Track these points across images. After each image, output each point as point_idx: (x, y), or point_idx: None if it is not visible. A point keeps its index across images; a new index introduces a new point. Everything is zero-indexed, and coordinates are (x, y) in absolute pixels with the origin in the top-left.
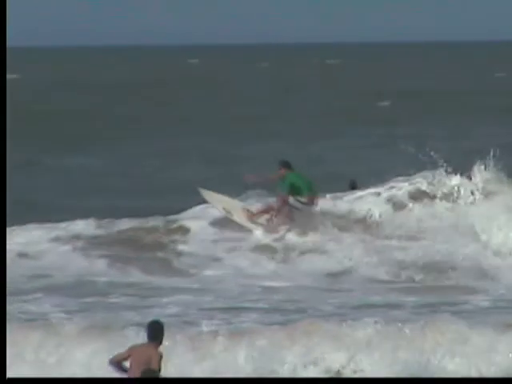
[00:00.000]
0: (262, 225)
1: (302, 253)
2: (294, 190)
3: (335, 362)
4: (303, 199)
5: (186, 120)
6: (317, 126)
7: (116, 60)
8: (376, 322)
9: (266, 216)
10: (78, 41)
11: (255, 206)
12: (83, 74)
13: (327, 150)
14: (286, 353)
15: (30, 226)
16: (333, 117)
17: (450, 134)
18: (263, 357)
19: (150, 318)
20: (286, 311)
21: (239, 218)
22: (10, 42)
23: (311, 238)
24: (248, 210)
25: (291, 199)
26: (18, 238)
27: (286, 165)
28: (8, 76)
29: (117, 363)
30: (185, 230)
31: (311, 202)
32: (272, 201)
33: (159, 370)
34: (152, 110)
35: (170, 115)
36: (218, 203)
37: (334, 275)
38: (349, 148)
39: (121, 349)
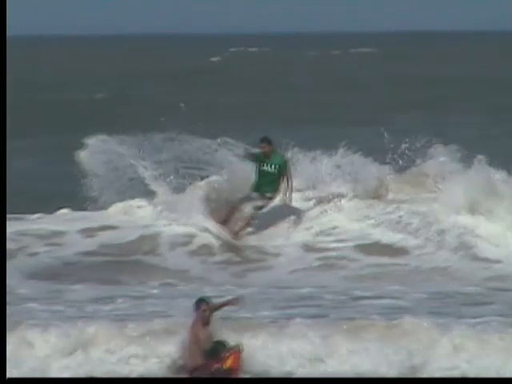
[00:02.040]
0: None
1: None
2: (288, 168)
3: None
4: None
5: (239, 107)
6: (370, 113)
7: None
8: None
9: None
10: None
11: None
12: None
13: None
14: None
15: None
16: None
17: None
18: None
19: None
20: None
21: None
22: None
23: None
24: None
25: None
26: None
27: (271, 142)
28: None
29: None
30: None
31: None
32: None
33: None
34: (199, 98)
35: (220, 102)
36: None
37: None
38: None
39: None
